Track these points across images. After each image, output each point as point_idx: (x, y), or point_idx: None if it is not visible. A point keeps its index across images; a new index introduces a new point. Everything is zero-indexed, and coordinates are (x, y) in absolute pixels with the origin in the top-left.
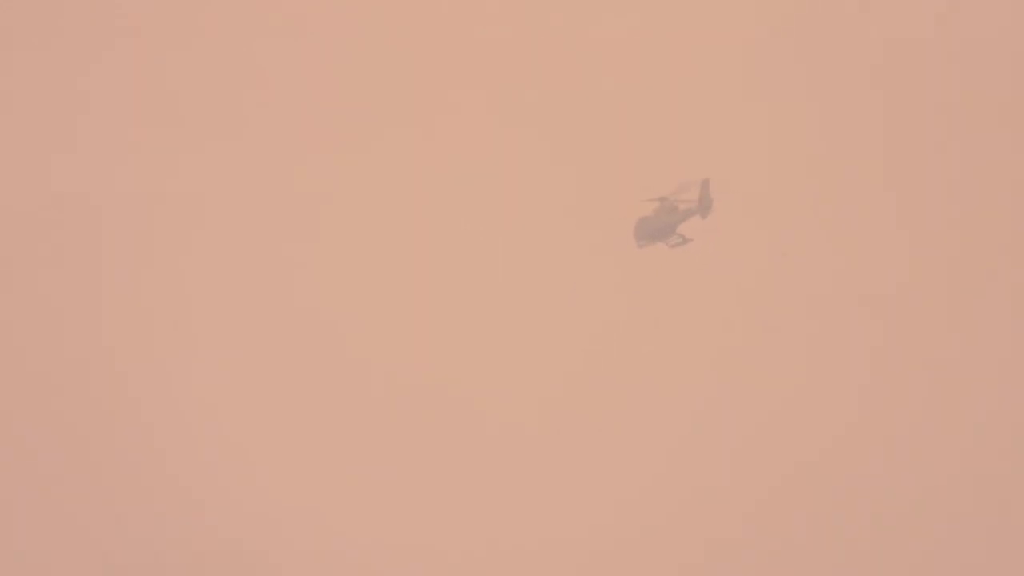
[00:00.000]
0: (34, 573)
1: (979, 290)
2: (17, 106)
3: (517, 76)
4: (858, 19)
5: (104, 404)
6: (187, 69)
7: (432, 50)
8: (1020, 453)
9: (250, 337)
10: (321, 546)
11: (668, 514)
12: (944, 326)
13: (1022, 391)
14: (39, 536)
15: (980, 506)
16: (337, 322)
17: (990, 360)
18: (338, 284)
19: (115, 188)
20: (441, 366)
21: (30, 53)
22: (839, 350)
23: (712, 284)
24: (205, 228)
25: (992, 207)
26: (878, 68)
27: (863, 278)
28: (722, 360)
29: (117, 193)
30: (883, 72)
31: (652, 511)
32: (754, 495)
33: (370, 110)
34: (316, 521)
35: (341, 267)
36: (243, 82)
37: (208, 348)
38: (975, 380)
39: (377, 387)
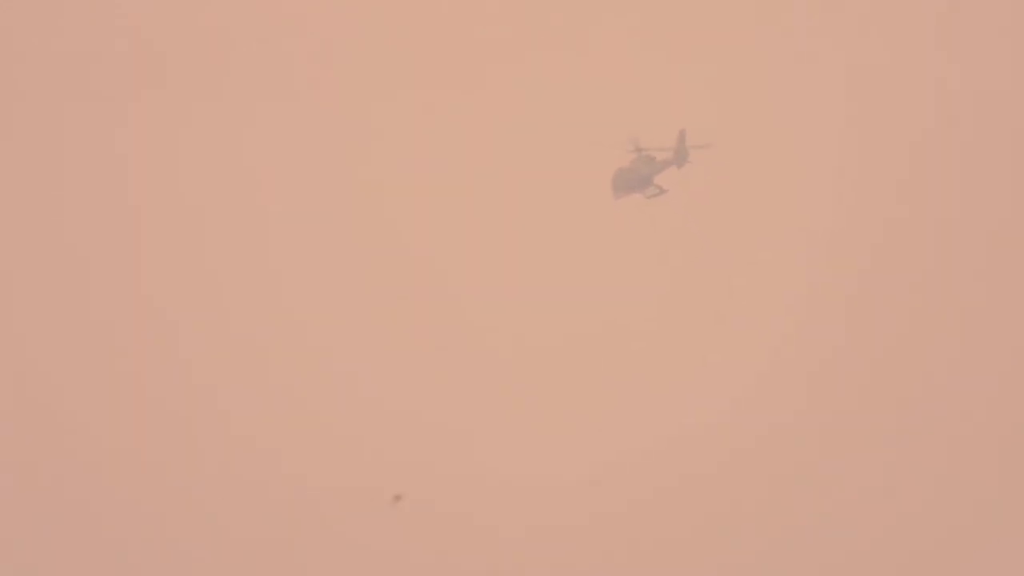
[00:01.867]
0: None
1: (962, 246)
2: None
3: (496, 28)
4: None
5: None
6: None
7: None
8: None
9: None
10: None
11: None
12: (927, 277)
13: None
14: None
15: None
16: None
17: (983, 322)
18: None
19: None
20: (422, 321)
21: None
22: (814, 296)
23: (688, 235)
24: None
25: (977, 167)
26: (860, 22)
27: (838, 228)
28: (698, 311)
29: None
30: (863, 25)
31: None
32: (735, 451)
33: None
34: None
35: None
36: (240, 72)
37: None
38: (964, 338)
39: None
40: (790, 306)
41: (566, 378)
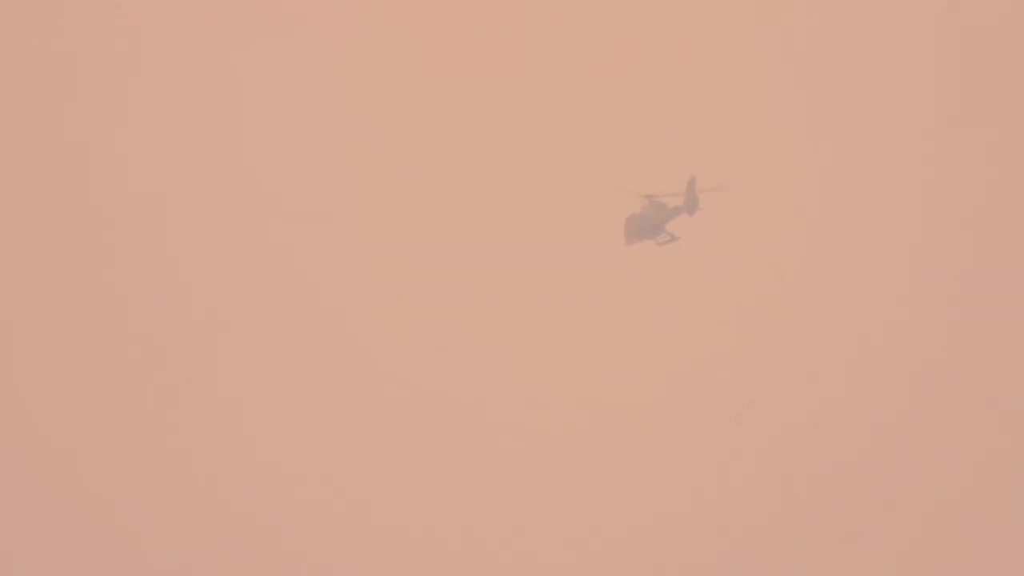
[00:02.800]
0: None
1: (972, 286)
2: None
3: (510, 73)
4: (846, 25)
5: None
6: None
7: (421, 57)
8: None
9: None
10: None
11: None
12: (936, 323)
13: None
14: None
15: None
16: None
17: (985, 356)
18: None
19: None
20: (440, 374)
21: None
22: (822, 341)
23: (699, 281)
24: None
25: (985, 203)
26: (865, 68)
27: (848, 273)
28: (710, 356)
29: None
30: (869, 72)
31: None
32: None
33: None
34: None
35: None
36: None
37: None
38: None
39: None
40: (802, 354)
41: (577, 429)
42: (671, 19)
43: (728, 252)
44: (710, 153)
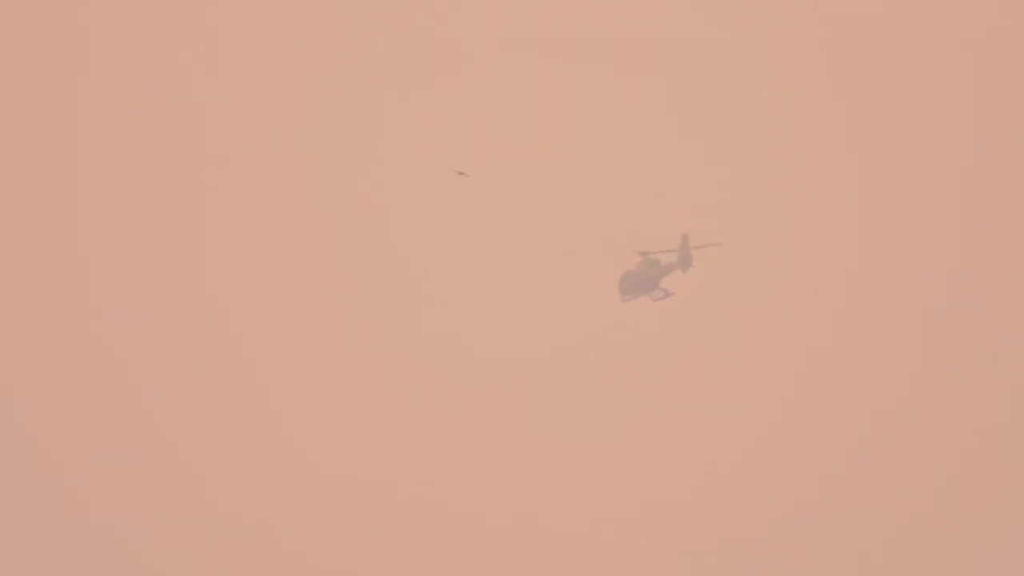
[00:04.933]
0: None
1: (959, 362)
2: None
3: (504, 130)
4: (834, 92)
5: None
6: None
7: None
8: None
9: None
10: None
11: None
12: (927, 388)
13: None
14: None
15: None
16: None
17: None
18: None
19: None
20: (430, 437)
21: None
22: (819, 402)
23: (695, 336)
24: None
25: (972, 267)
26: (858, 126)
27: (842, 332)
28: (704, 414)
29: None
30: (862, 129)
31: None
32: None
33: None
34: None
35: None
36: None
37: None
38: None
39: None
40: (801, 409)
41: (574, 485)
42: (662, 76)
43: (723, 307)
44: (703, 209)
